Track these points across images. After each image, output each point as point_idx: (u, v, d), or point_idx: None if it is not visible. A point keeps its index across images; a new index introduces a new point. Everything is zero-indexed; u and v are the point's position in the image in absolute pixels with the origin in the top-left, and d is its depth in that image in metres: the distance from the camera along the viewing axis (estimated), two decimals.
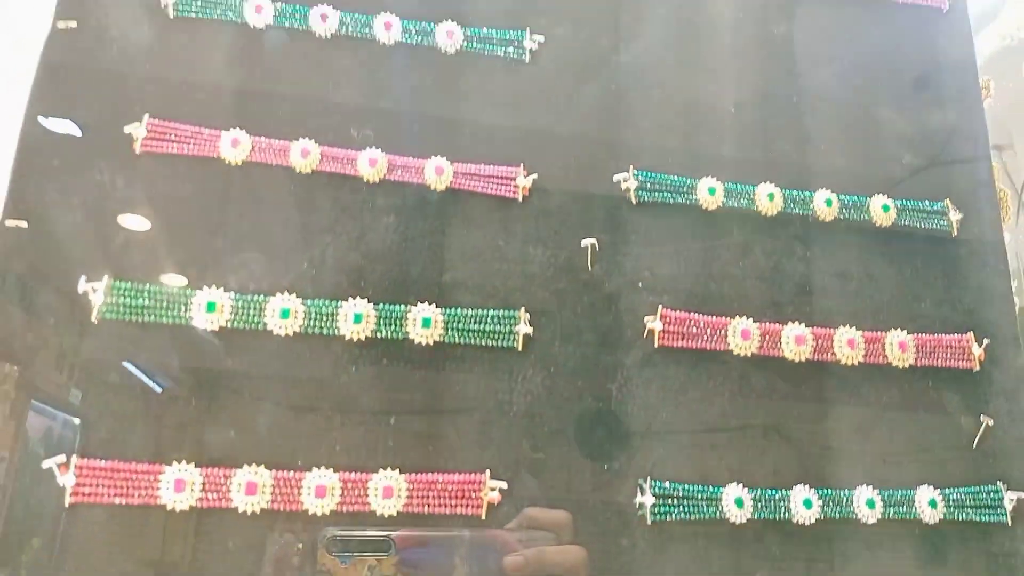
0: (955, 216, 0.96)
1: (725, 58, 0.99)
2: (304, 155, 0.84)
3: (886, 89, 1.01)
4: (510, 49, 0.93)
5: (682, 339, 0.86)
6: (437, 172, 0.87)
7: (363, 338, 0.79)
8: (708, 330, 0.87)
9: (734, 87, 0.98)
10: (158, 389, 0.75)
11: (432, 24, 0.92)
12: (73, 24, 0.84)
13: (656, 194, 0.91)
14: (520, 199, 0.89)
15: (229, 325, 0.77)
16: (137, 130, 0.82)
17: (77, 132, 0.81)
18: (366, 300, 0.80)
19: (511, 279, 0.86)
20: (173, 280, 0.78)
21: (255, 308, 0.77)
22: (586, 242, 0.87)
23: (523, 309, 0.83)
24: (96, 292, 0.75)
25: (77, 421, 0.72)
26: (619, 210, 0.91)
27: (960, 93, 1.03)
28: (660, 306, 0.86)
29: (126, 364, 0.75)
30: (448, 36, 0.92)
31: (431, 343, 0.80)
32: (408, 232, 0.85)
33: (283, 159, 0.84)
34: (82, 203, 0.79)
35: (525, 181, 0.89)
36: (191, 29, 0.87)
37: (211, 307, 0.76)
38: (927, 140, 1.00)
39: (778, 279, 0.91)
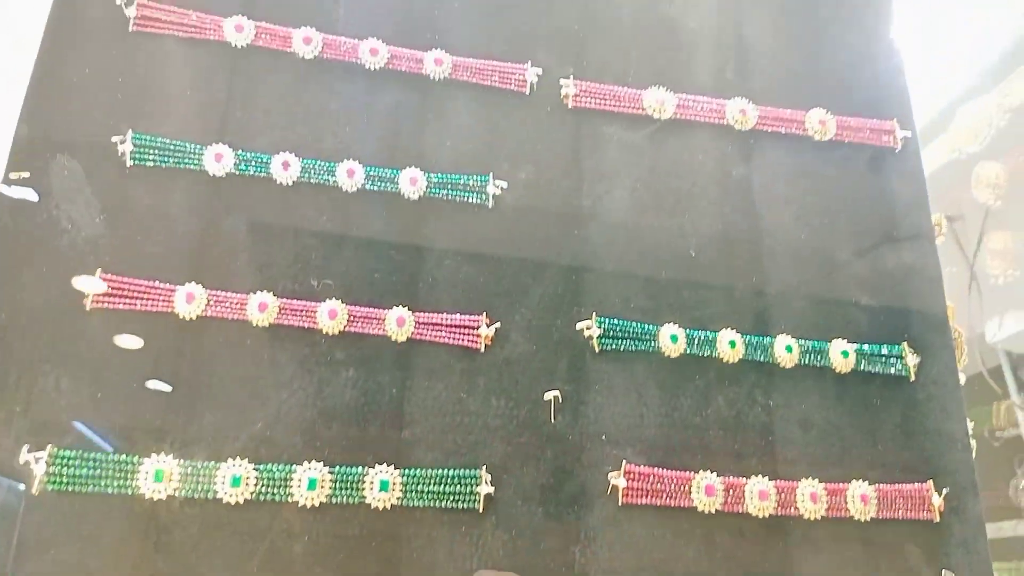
0: (912, 360, 0.97)
1: (685, 201, 1.00)
2: (262, 309, 0.82)
3: (842, 230, 1.03)
4: (473, 194, 0.93)
5: (646, 496, 0.85)
6: (399, 323, 0.85)
7: (318, 504, 0.76)
8: (672, 486, 0.86)
9: (694, 230, 0.99)
10: (110, 449, 0.71)
11: (396, 170, 0.92)
12: (26, 174, 0.81)
13: (619, 342, 0.91)
14: (482, 348, 0.87)
15: (177, 494, 0.74)
16: (89, 287, 0.79)
17: (28, 288, 0.78)
18: (321, 463, 0.78)
19: (472, 433, 0.84)
20: (119, 445, 0.75)
21: (205, 475, 0.75)
22: (549, 395, 0.86)
23: (484, 468, 0.82)
24: (38, 462, 0.71)
25: None
26: (582, 358, 0.90)
27: (914, 233, 1.05)
28: (624, 462, 0.85)
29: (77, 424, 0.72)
30: (412, 183, 0.91)
31: (389, 507, 0.78)
32: (367, 386, 0.83)
33: (240, 313, 0.82)
34: (25, 364, 0.76)
35: (487, 331, 0.88)
36: (148, 179, 0.85)
37: (159, 476, 0.73)
38: (883, 281, 1.02)
39: (740, 429, 0.91)
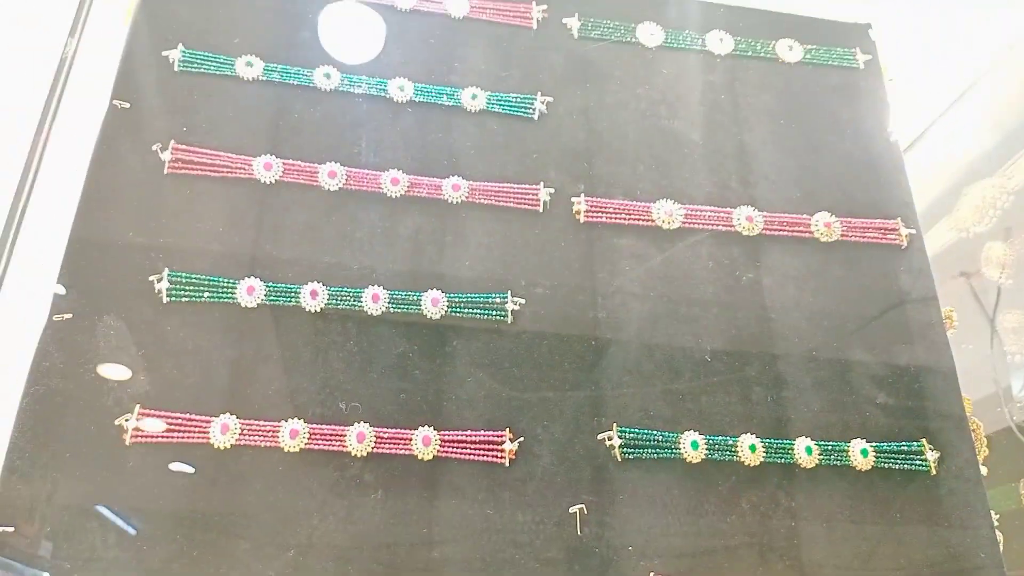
0: (932, 455, 0.98)
1: (698, 308, 1.03)
2: (293, 435, 0.85)
3: (854, 329, 1.05)
4: (493, 312, 0.97)
5: None
6: (424, 442, 0.88)
7: None
8: None
9: (708, 336, 1.01)
10: (132, 531, 0.73)
11: (418, 293, 0.96)
12: (69, 316, 0.86)
13: (640, 450, 0.93)
14: (507, 463, 0.90)
15: None
16: (128, 422, 0.83)
17: (68, 429, 0.82)
18: None
19: (501, 550, 0.86)
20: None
21: None
22: (574, 508, 0.88)
23: None
24: None
25: None
26: (605, 469, 0.92)
27: (924, 328, 1.07)
28: (652, 573, 0.86)
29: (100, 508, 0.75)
30: (433, 303, 0.95)
31: None
32: (396, 507, 0.86)
33: (272, 440, 0.85)
34: (68, 494, 0.80)
35: (511, 445, 0.90)
36: (183, 314, 0.90)
37: None
38: (899, 378, 1.03)
39: (766, 532, 0.92)
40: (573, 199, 1.07)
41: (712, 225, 1.08)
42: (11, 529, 0.77)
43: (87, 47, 1.04)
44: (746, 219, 1.08)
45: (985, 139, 1.70)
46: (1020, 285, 1.71)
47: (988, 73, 1.56)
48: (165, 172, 0.98)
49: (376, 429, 0.88)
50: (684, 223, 1.07)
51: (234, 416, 0.86)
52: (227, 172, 0.99)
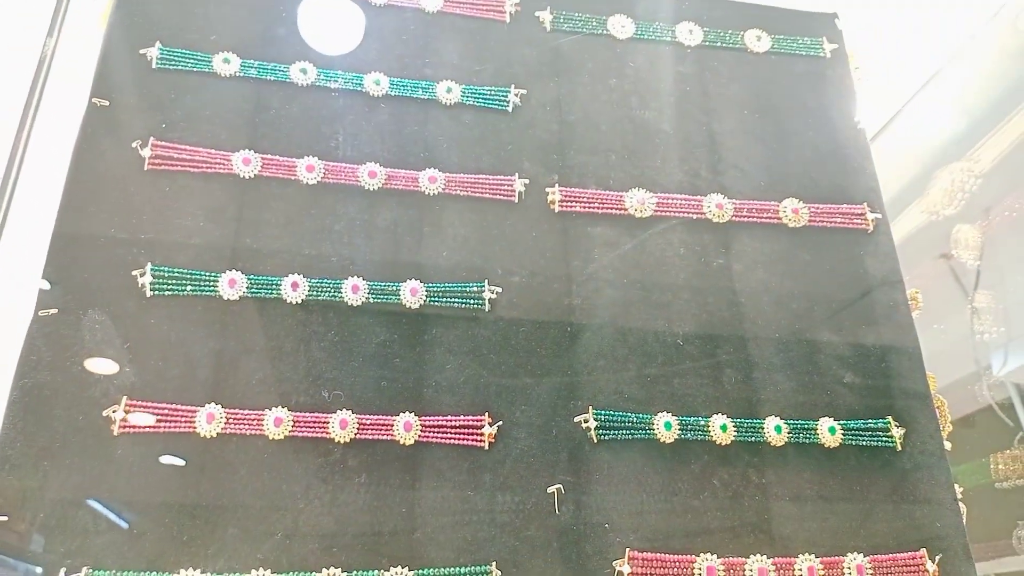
0: (898, 432, 1.02)
1: (670, 294, 1.06)
2: (277, 423, 0.88)
3: (822, 312, 1.09)
4: (470, 301, 1.00)
5: None
6: (406, 428, 0.91)
7: None
8: (676, 570, 0.90)
9: (680, 321, 1.04)
10: (124, 525, 0.75)
11: (397, 283, 0.98)
12: (54, 311, 0.88)
13: (615, 432, 0.96)
14: (487, 447, 0.92)
15: None
16: (115, 414, 0.85)
17: (57, 421, 0.84)
18: (339, 569, 0.82)
19: (481, 530, 0.89)
20: (148, 565, 0.79)
21: None
22: (551, 488, 0.91)
23: (494, 564, 0.86)
24: None
25: None
26: (581, 450, 0.95)
27: (890, 309, 1.11)
28: (628, 549, 0.89)
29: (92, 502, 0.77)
30: (412, 293, 0.98)
31: None
32: (379, 491, 0.88)
33: (257, 428, 0.87)
34: (58, 485, 0.82)
35: (490, 429, 0.93)
36: (167, 307, 0.92)
37: None
38: (865, 358, 1.07)
39: (737, 509, 0.95)
40: (547, 189, 1.09)
41: (683, 213, 1.11)
42: (5, 518, 0.79)
43: (65, 46, 1.05)
44: (716, 206, 1.11)
45: (953, 124, 1.74)
46: (988, 266, 1.76)
47: (953, 60, 1.60)
48: (145, 168, 0.99)
49: (359, 416, 0.91)
50: (656, 211, 1.10)
51: (219, 406, 0.88)
52: (206, 167, 1.01)
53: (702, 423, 0.98)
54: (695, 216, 1.11)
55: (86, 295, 0.91)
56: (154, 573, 0.79)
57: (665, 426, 0.97)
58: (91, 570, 0.78)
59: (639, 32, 1.24)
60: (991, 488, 1.67)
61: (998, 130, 1.57)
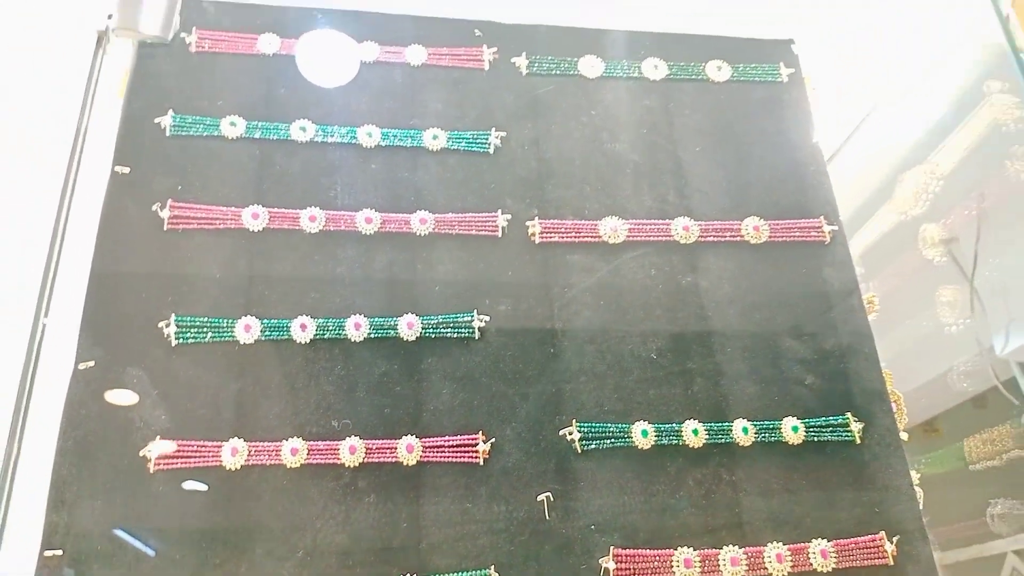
0: (857, 427, 1.13)
1: (643, 311, 1.17)
2: (293, 452, 0.99)
3: (784, 320, 1.19)
4: (462, 330, 1.11)
5: (634, 575, 0.99)
6: (408, 450, 1.02)
7: None
8: (656, 563, 1.01)
9: (654, 335, 1.15)
10: (151, 553, 0.87)
11: (394, 318, 1.10)
12: (91, 363, 1.00)
13: (597, 442, 1.07)
14: (482, 462, 1.04)
15: None
16: (150, 452, 0.97)
17: (100, 463, 0.96)
18: None
19: (480, 538, 1.00)
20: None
21: None
22: (541, 496, 1.02)
23: (493, 568, 0.97)
24: None
25: None
26: (567, 460, 1.06)
27: (847, 314, 1.21)
28: (612, 547, 1.00)
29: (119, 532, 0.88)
30: (409, 327, 1.09)
31: None
32: (387, 507, 1.00)
33: (275, 458, 0.99)
34: (104, 519, 0.94)
35: (484, 446, 1.04)
36: (191, 354, 1.04)
37: None
38: (824, 361, 1.17)
39: (710, 505, 1.06)
40: (528, 223, 1.20)
41: (653, 236, 1.22)
42: (60, 553, 0.91)
43: (92, 119, 1.17)
44: (683, 229, 1.22)
45: (914, 130, 1.84)
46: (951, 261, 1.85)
47: (909, 70, 1.70)
48: (165, 228, 1.11)
49: (365, 441, 1.02)
50: (628, 236, 1.21)
51: (242, 439, 1.00)
52: (220, 224, 1.12)
53: (676, 428, 1.09)
54: (663, 239, 1.22)
55: (119, 347, 1.03)
56: None
57: (642, 434, 1.08)
58: None
59: (608, 70, 1.35)
60: (966, 471, 1.77)
61: (955, 134, 1.67)
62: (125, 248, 1.09)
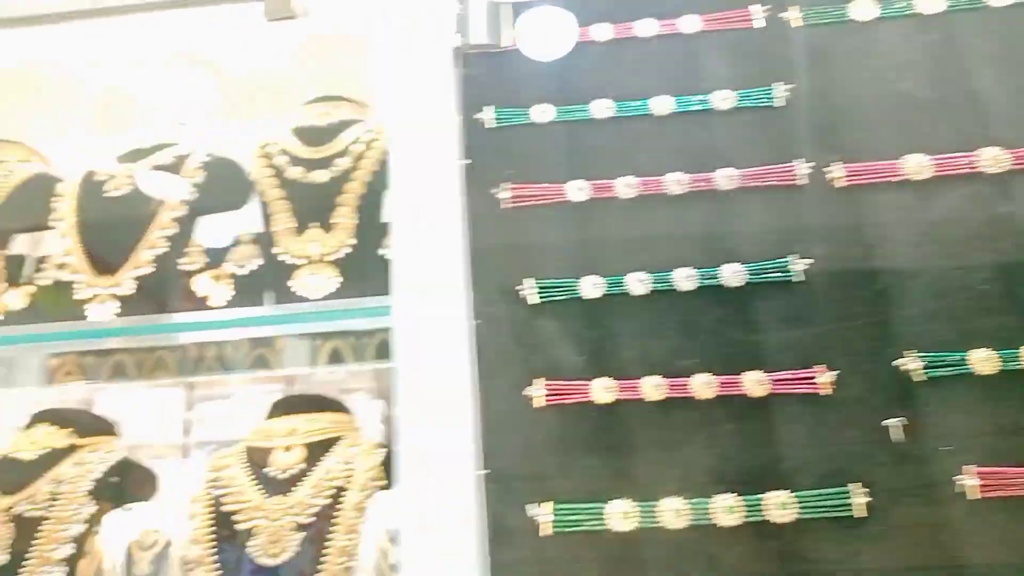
0: None
1: (962, 245, 1.19)
2: (656, 389, 1.10)
3: None
4: (784, 274, 1.18)
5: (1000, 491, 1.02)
6: (756, 383, 1.10)
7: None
8: (1020, 479, 1.03)
9: (979, 268, 1.17)
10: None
11: (715, 268, 1.18)
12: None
13: (939, 369, 1.10)
14: (829, 391, 1.11)
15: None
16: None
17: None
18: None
19: (837, 460, 1.08)
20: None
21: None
22: (892, 422, 1.07)
23: (858, 484, 1.03)
24: None
25: None
26: (910, 389, 1.11)
27: None
28: (969, 465, 1.04)
29: None
30: (733, 274, 1.17)
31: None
32: (744, 435, 1.08)
33: (638, 393, 1.10)
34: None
35: (828, 376, 1.11)
36: (546, 312, 1.17)
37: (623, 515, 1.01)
38: None
39: None
40: (825, 169, 1.25)
41: (961, 169, 1.23)
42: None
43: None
44: (991, 159, 1.22)
45: None
46: None
47: None
48: (501, 207, 1.25)
49: (719, 378, 1.11)
50: (935, 172, 1.23)
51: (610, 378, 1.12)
52: (547, 199, 1.25)
53: (1015, 354, 1.10)
54: (971, 171, 1.23)
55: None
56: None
57: (983, 360, 1.10)
58: None
59: (883, 11, 1.36)
60: None
61: None
62: (482, 227, 1.23)
